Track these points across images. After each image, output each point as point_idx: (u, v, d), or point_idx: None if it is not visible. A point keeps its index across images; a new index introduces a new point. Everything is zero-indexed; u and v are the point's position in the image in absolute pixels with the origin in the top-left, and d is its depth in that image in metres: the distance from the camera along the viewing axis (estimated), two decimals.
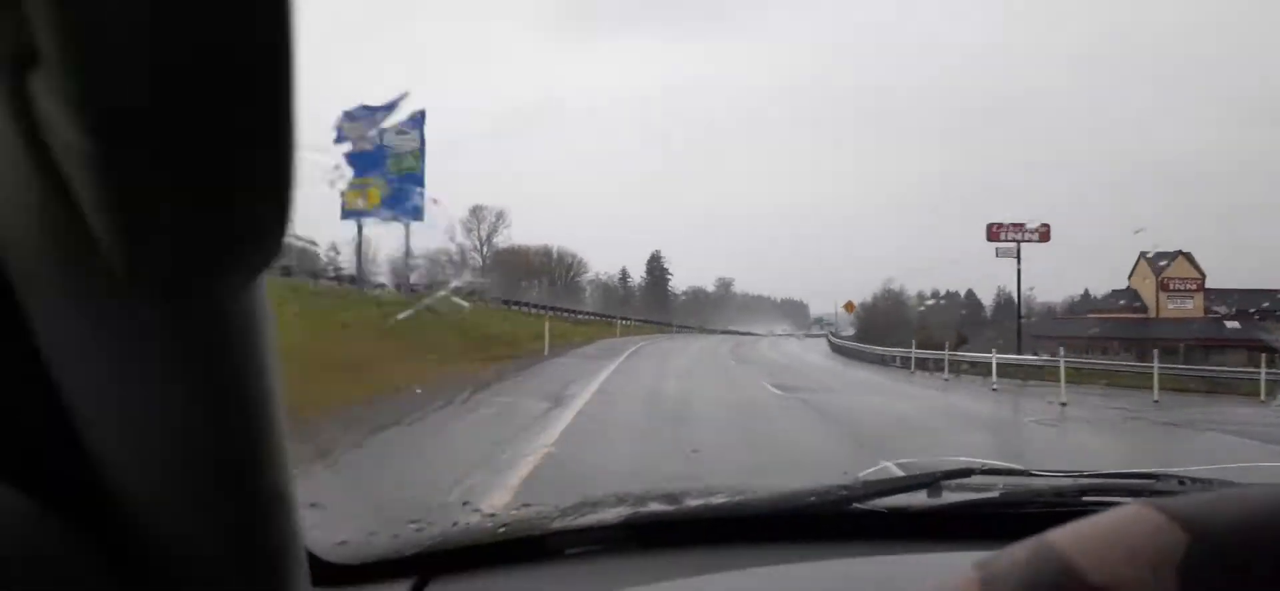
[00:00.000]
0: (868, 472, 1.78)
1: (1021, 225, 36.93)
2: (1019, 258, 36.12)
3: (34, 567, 0.56)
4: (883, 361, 29.90)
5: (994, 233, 37.10)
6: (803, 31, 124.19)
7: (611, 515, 1.40)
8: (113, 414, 0.56)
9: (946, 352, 25.18)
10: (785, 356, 32.43)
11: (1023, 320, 39.11)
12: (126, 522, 0.59)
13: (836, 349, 39.15)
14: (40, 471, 0.57)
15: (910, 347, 27.66)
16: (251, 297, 0.55)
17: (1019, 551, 0.43)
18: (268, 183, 0.43)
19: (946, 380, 22.37)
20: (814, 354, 36.61)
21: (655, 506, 1.44)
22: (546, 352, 21.52)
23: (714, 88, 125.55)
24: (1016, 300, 39.58)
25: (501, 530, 1.38)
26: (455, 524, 1.41)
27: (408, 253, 34.23)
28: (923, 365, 26.28)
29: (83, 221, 0.44)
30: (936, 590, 0.44)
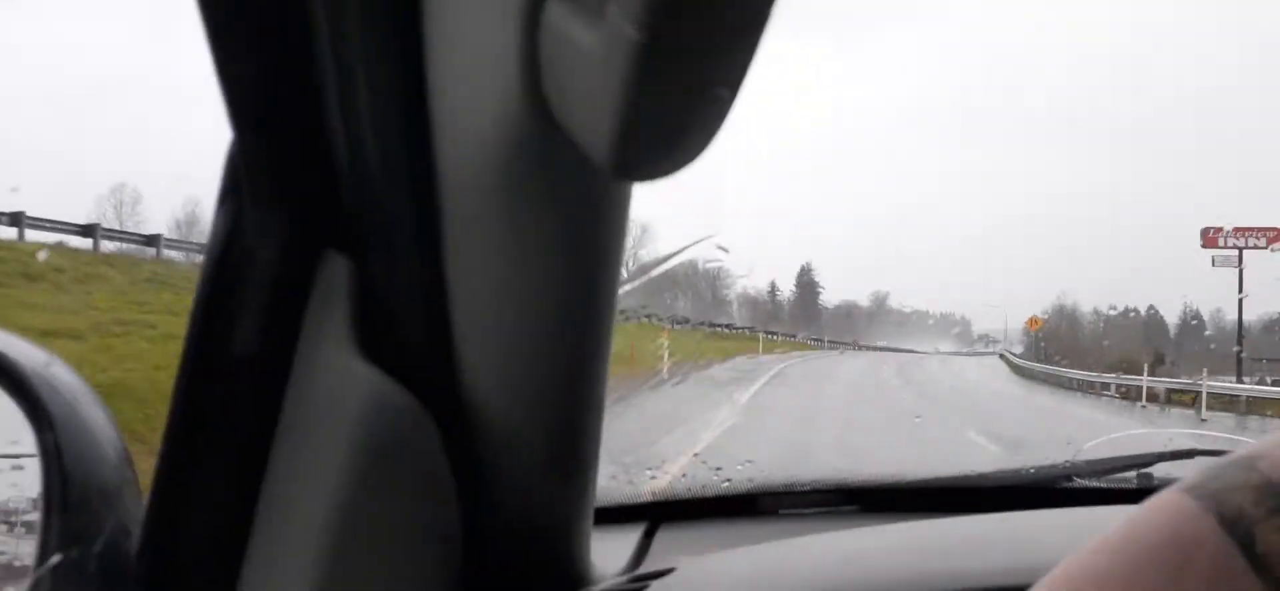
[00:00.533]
0: (1091, 446, 1.69)
1: (1249, 229, 31.54)
2: (1241, 264, 30.74)
3: (407, 453, 0.64)
4: (1086, 388, 23.90)
5: (1210, 238, 30.37)
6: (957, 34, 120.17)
7: (831, 480, 1.43)
8: (490, 316, 0.64)
9: (1144, 378, 20.98)
10: (967, 382, 26.44)
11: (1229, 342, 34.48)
12: (476, 422, 0.67)
13: (1020, 372, 33.14)
14: (422, 373, 0.64)
15: (1106, 373, 23.18)
16: (623, 205, 0.62)
17: (1227, 468, 0.39)
18: (734, 75, 0.48)
19: (1203, 419, 16.56)
20: (997, 378, 30.50)
21: (870, 476, 1.47)
22: (664, 373, 14.58)
23: (869, 93, 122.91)
24: (1238, 317, 32.93)
25: (726, 484, 1.45)
26: (685, 476, 1.49)
27: None
28: (1153, 397, 20.39)
29: (549, 123, 0.52)
30: (1145, 516, 0.39)
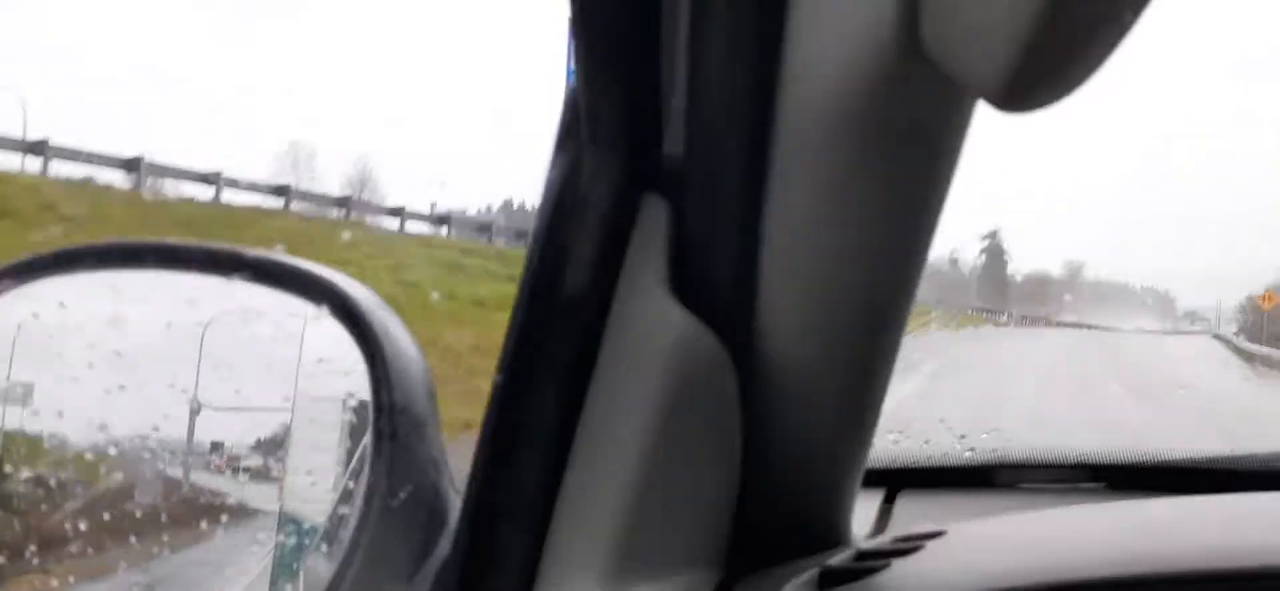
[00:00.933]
0: None
1: None
2: None
3: (706, 395, 0.67)
4: None
5: None
6: None
7: (1076, 456, 1.38)
8: (801, 262, 0.66)
9: None
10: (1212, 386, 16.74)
11: None
12: (771, 369, 0.69)
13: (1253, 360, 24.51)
14: (728, 317, 0.67)
15: None
16: (956, 153, 0.63)
17: None
18: (1140, 4, 0.49)
19: None
20: (1231, 372, 21.65)
21: (1118, 452, 1.41)
22: None
23: None
24: None
25: (968, 454, 1.41)
26: (927, 442, 1.47)
27: None
28: None
29: (915, 55, 0.52)
30: None
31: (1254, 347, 26.62)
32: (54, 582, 0.97)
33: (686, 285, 0.66)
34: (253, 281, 0.92)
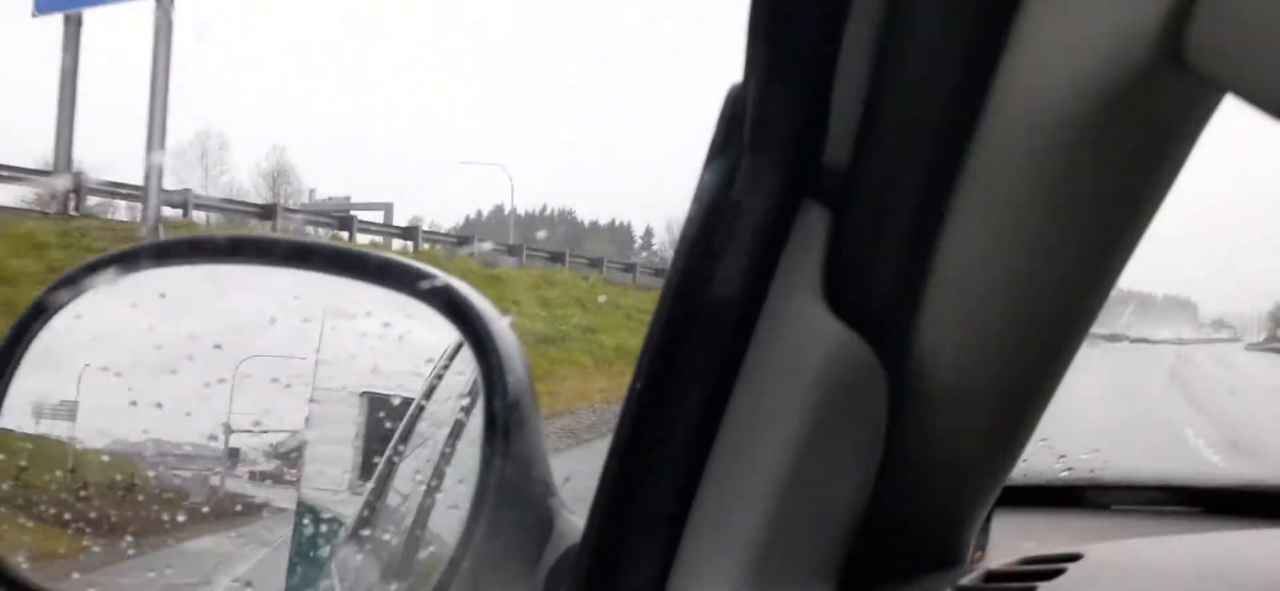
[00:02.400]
0: None
1: None
2: None
3: (857, 407, 0.65)
4: None
5: None
6: None
7: (1168, 477, 1.36)
8: (978, 284, 0.62)
9: None
10: None
11: None
12: (926, 385, 0.66)
13: None
14: (886, 328, 0.64)
15: None
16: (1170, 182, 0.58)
17: None
18: None
19: None
20: None
21: (1217, 476, 1.34)
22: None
23: None
24: None
25: (1065, 472, 1.39)
26: (1025, 460, 1.44)
27: None
28: None
29: (1171, 66, 0.47)
30: None
31: None
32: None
33: (843, 296, 0.63)
34: (358, 278, 0.92)
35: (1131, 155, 0.54)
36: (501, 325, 0.86)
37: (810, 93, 0.61)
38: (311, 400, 0.94)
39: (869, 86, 0.59)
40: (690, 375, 0.66)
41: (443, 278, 0.89)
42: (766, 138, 0.62)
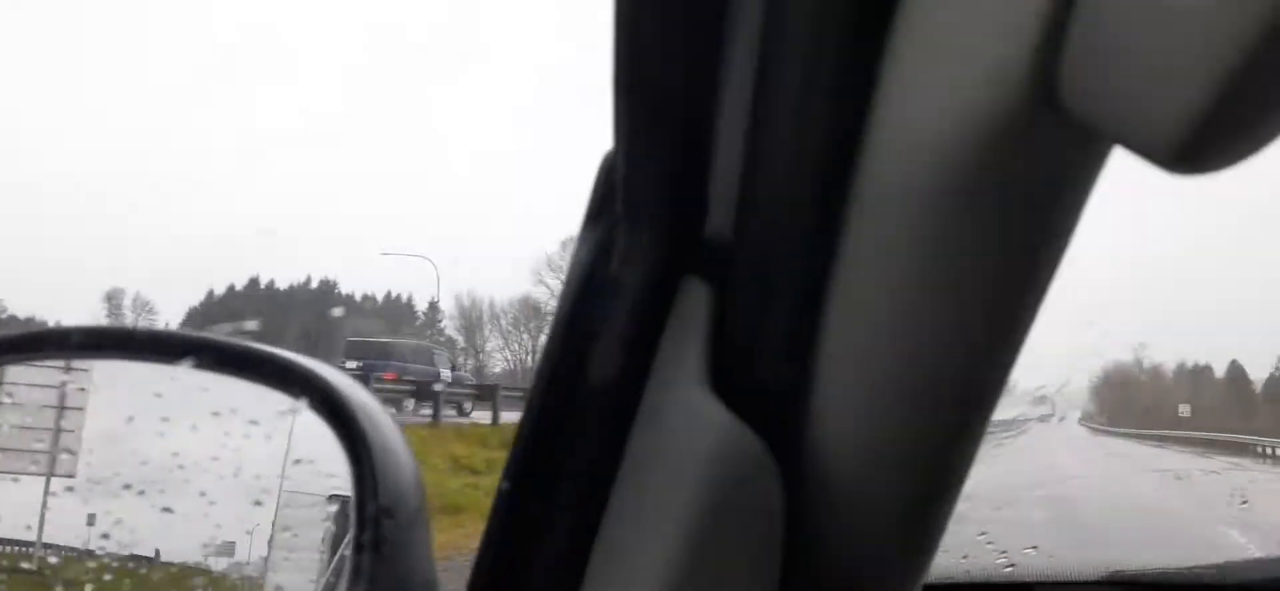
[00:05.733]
0: None
1: None
2: None
3: (747, 503, 0.59)
4: None
5: None
6: None
7: (1109, 569, 1.36)
8: (866, 364, 0.57)
9: None
10: None
11: None
12: (822, 479, 0.60)
13: None
14: (775, 417, 0.59)
15: None
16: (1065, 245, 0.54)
17: None
18: None
19: None
20: None
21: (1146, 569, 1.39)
22: None
23: None
24: None
25: (1008, 569, 1.39)
26: (965, 557, 1.47)
27: None
28: None
29: (1048, 112, 0.44)
30: None
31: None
32: None
33: (729, 381, 0.58)
34: (225, 372, 0.85)
35: (1017, 209, 0.51)
36: (383, 423, 0.80)
37: (685, 158, 0.57)
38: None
39: (744, 151, 0.55)
40: (563, 473, 0.60)
41: (322, 372, 0.83)
42: (640, 208, 0.59)
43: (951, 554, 1.47)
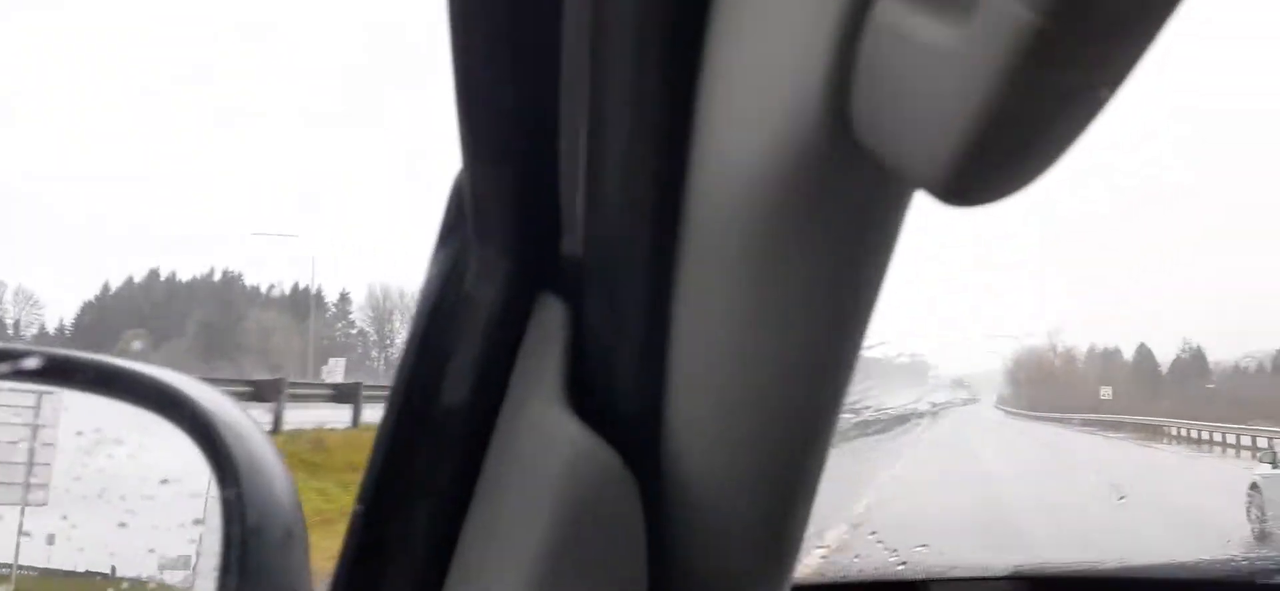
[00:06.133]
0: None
1: None
2: None
3: (606, 518, 0.60)
4: None
5: None
6: None
7: (1001, 568, 1.40)
8: (715, 376, 0.58)
9: None
10: None
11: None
12: (680, 491, 0.62)
13: None
14: (632, 433, 0.60)
15: None
16: (887, 255, 0.56)
17: None
18: (1117, 75, 0.42)
19: None
20: None
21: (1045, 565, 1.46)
22: None
23: None
24: None
25: (900, 567, 1.49)
26: (857, 557, 1.51)
27: None
28: None
29: (846, 143, 0.46)
30: None
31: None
32: None
33: (585, 397, 0.59)
34: (83, 390, 0.82)
35: (832, 230, 0.53)
36: (253, 440, 0.78)
37: (533, 178, 0.58)
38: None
39: (586, 174, 0.56)
40: (419, 493, 0.60)
41: (189, 389, 0.80)
42: (490, 226, 0.59)
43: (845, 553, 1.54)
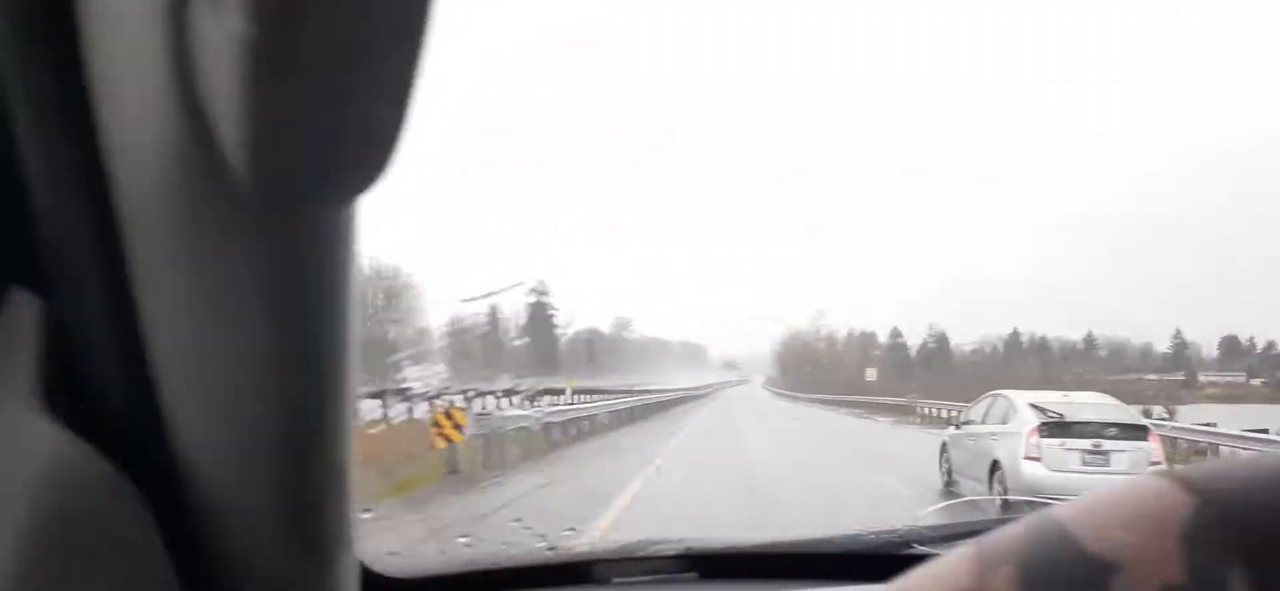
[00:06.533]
0: (928, 512, 1.83)
1: None
2: None
3: (101, 525, 0.55)
4: None
5: None
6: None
7: (666, 547, 1.43)
8: (194, 368, 0.56)
9: None
10: None
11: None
12: (192, 492, 0.59)
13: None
14: (123, 435, 0.56)
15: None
16: (344, 239, 0.54)
17: (1018, 526, 0.43)
18: (394, 89, 0.44)
19: None
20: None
21: (710, 541, 1.48)
22: None
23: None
24: None
25: (550, 552, 1.44)
26: (507, 544, 1.47)
27: None
28: None
29: (211, 137, 0.45)
30: (933, 573, 0.43)
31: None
32: None
33: (74, 403, 0.55)
34: None
35: (250, 213, 0.50)
36: None
37: None
38: None
39: (36, 166, 0.52)
40: None
41: None
42: None
43: (491, 541, 1.52)
